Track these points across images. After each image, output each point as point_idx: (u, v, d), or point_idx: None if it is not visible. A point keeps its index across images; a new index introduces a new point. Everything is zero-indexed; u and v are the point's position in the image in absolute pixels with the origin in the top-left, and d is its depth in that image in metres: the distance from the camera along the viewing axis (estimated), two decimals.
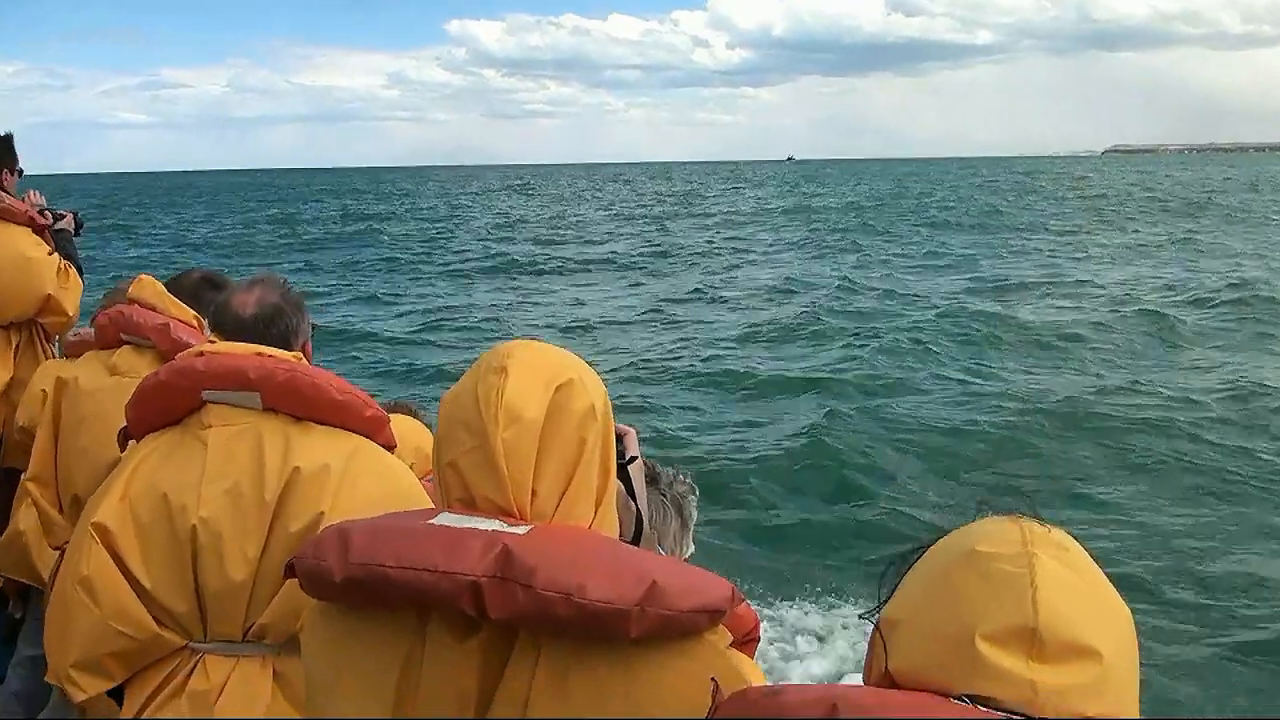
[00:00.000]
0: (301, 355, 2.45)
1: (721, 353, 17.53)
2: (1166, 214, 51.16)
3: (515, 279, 29.40)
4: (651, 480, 2.32)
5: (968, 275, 27.15)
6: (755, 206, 65.17)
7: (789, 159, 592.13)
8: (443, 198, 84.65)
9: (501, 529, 1.37)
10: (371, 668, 1.43)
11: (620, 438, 1.83)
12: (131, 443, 2.43)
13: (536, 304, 24.64)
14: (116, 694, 2.33)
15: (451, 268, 31.81)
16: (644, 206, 68.42)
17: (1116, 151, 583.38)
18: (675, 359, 17.00)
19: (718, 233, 44.25)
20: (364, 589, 1.39)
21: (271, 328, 2.48)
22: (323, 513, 2.20)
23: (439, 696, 1.38)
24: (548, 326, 20.32)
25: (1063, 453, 11.45)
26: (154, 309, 3.19)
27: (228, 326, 2.48)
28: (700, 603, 1.34)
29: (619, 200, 78.74)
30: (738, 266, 31.02)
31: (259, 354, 2.32)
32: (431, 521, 1.42)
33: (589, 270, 30.67)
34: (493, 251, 36.02)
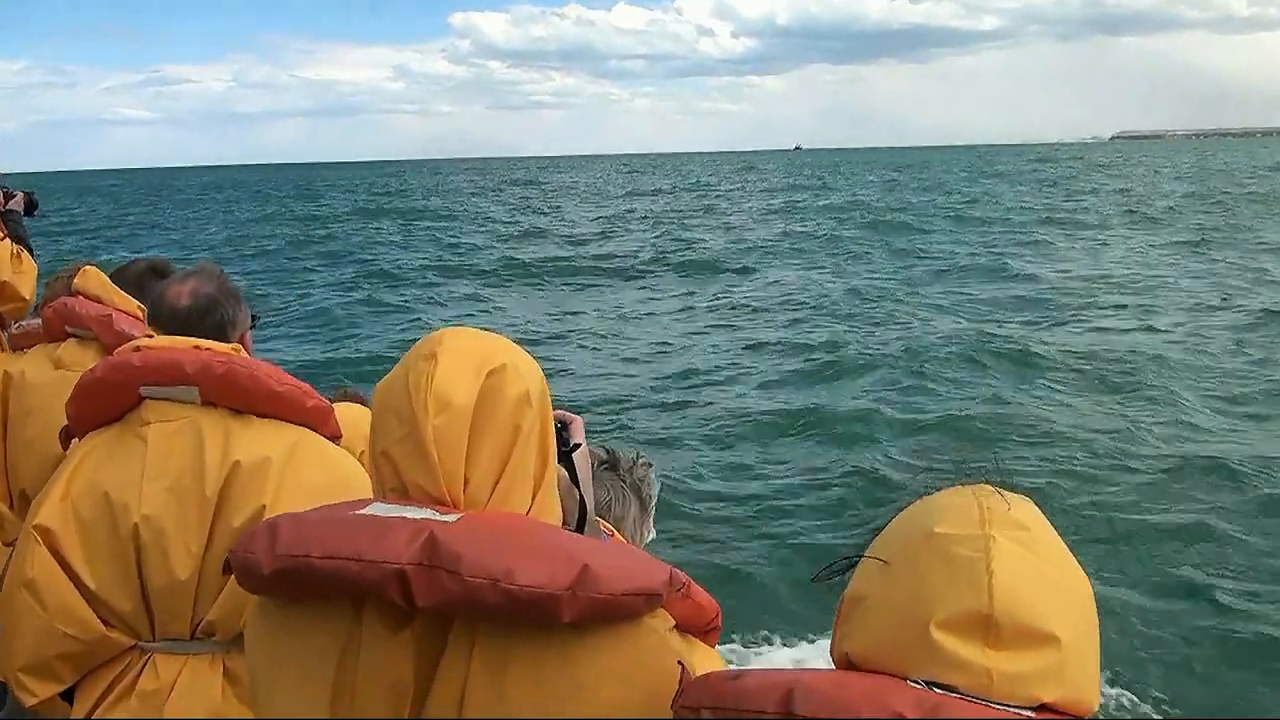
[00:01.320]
0: (240, 347, 2.42)
1: (750, 380, 15.36)
2: (1199, 203, 48.83)
3: (522, 284, 27.17)
4: (611, 466, 2.32)
5: (1010, 281, 24.53)
6: (771, 202, 61.50)
7: (796, 148, 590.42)
8: (450, 194, 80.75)
9: (431, 517, 1.35)
10: (309, 661, 1.41)
11: (565, 425, 1.83)
12: (74, 441, 2.41)
13: (544, 314, 22.55)
14: (69, 695, 2.32)
15: (459, 271, 29.43)
16: (654, 200, 65.62)
17: (1123, 137, 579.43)
18: (698, 383, 15.13)
19: (736, 233, 40.21)
20: (292, 580, 1.37)
21: (206, 319, 2.42)
22: (265, 505, 2.20)
23: (376, 687, 1.36)
24: (557, 337, 19.05)
25: (1159, 495, 9.85)
26: (98, 300, 3.16)
27: (163, 319, 2.42)
28: (635, 586, 1.32)
29: (628, 194, 75.68)
30: (758, 272, 28.03)
31: (196, 347, 2.30)
32: (361, 512, 1.40)
33: (600, 276, 28.12)
34: (497, 254, 33.72)
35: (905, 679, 1.07)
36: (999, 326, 18.29)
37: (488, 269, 29.57)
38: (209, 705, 2.24)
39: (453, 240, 38.96)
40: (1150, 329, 18.10)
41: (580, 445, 1.87)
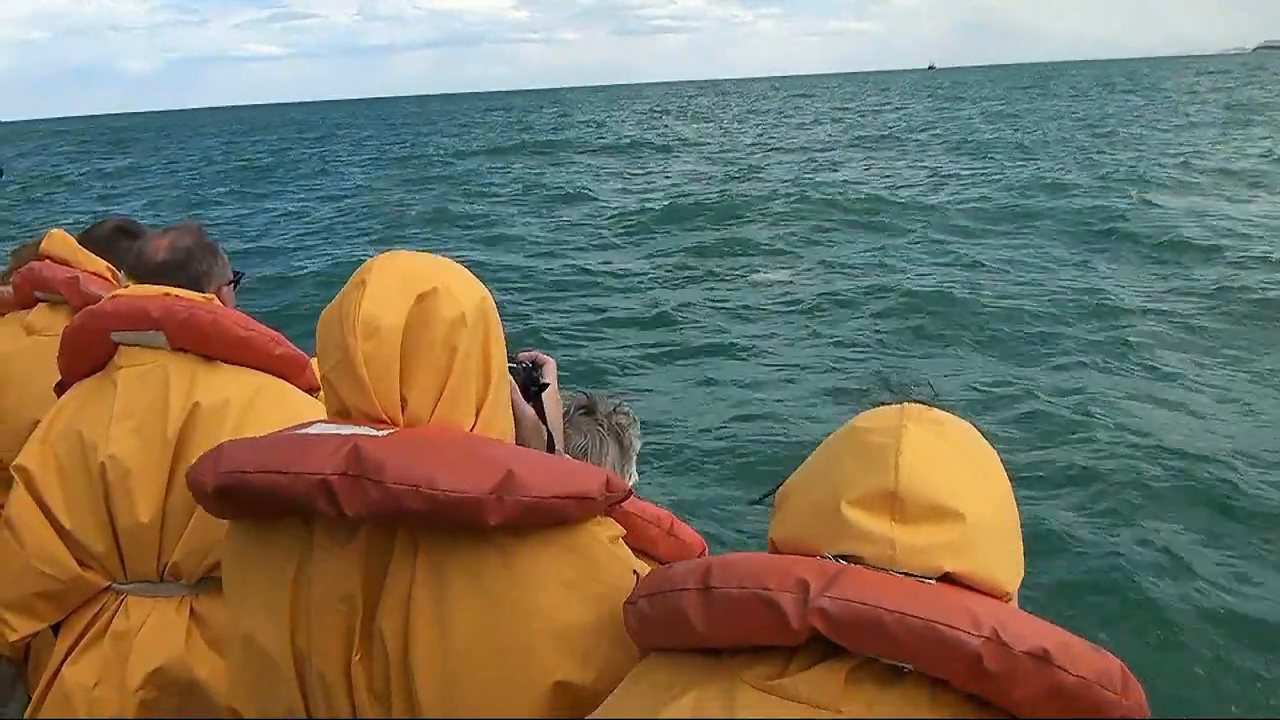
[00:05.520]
0: (215, 298, 2.44)
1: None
2: None
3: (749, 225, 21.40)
4: (589, 410, 2.35)
5: None
6: (963, 136, 45.69)
7: (930, 67, 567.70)
8: (580, 127, 71.08)
9: (361, 432, 1.41)
10: (269, 575, 1.48)
11: (538, 366, 1.88)
12: None
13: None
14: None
15: (615, 223, 23.10)
16: (812, 133, 54.79)
17: (1267, 48, 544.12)
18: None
19: (935, 179, 28.85)
20: (230, 496, 1.46)
21: (181, 272, 2.45)
22: None
23: (328, 598, 1.42)
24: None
25: None
26: (65, 263, 3.17)
27: (140, 272, 2.46)
28: (563, 490, 1.37)
29: (777, 126, 64.42)
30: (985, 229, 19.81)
31: (166, 294, 2.34)
32: (302, 431, 1.47)
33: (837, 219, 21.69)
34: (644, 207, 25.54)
35: (818, 555, 1.13)
36: None
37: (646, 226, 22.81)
38: (173, 648, 2.26)
39: (610, 189, 31.11)
40: None
41: (550, 384, 1.88)
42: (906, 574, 1.09)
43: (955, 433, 1.21)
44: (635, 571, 1.42)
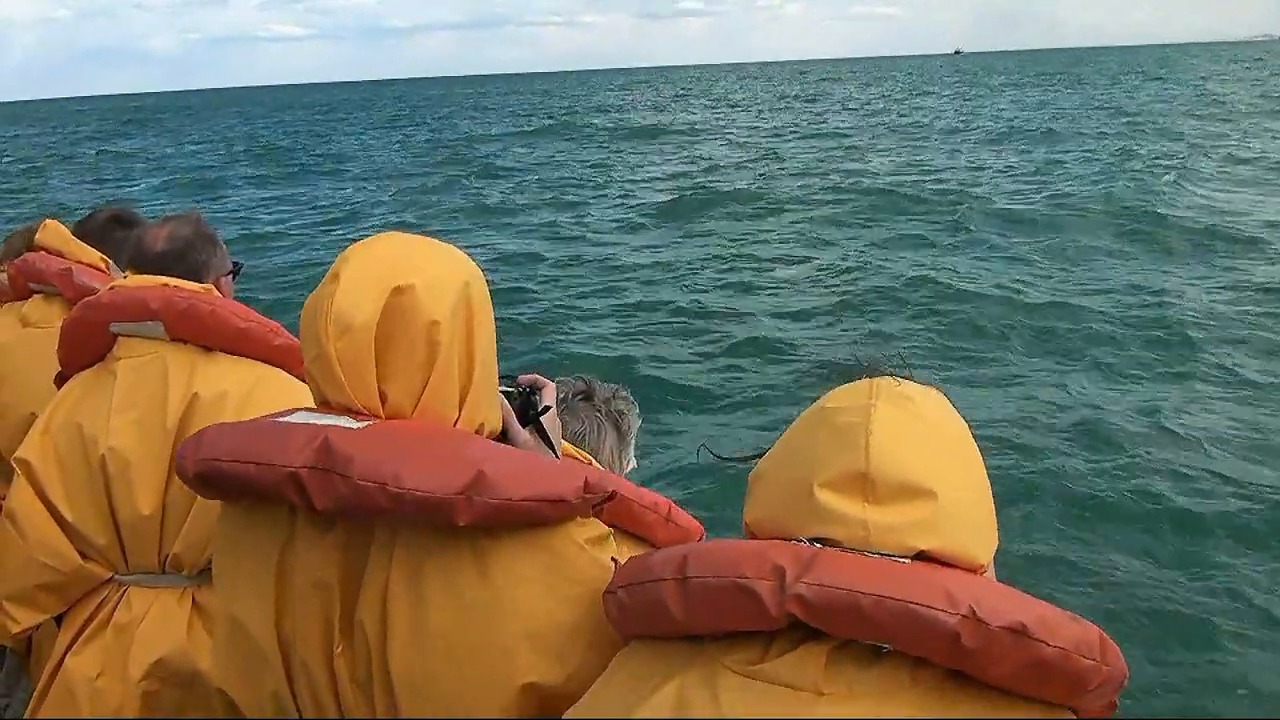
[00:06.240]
0: (213, 288, 2.44)
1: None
2: None
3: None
4: (587, 396, 2.33)
5: None
6: (985, 121, 44.16)
7: (956, 52, 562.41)
8: (605, 111, 69.43)
9: (335, 423, 1.39)
10: (255, 559, 1.47)
11: (537, 389, 1.82)
12: None
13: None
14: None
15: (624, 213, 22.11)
16: (841, 118, 52.95)
17: None
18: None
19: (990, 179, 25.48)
20: (206, 482, 1.46)
21: (180, 262, 2.45)
22: None
23: (308, 587, 1.42)
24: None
25: None
26: (59, 254, 3.13)
27: (138, 262, 2.47)
28: (536, 492, 1.34)
29: (805, 111, 61.54)
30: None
31: (165, 285, 2.33)
32: (283, 419, 1.46)
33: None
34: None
35: (792, 539, 1.13)
36: None
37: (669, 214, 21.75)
38: (175, 639, 2.26)
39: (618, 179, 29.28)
40: None
41: (550, 407, 1.85)
42: (881, 554, 1.09)
43: (925, 408, 1.20)
44: (614, 559, 1.42)
